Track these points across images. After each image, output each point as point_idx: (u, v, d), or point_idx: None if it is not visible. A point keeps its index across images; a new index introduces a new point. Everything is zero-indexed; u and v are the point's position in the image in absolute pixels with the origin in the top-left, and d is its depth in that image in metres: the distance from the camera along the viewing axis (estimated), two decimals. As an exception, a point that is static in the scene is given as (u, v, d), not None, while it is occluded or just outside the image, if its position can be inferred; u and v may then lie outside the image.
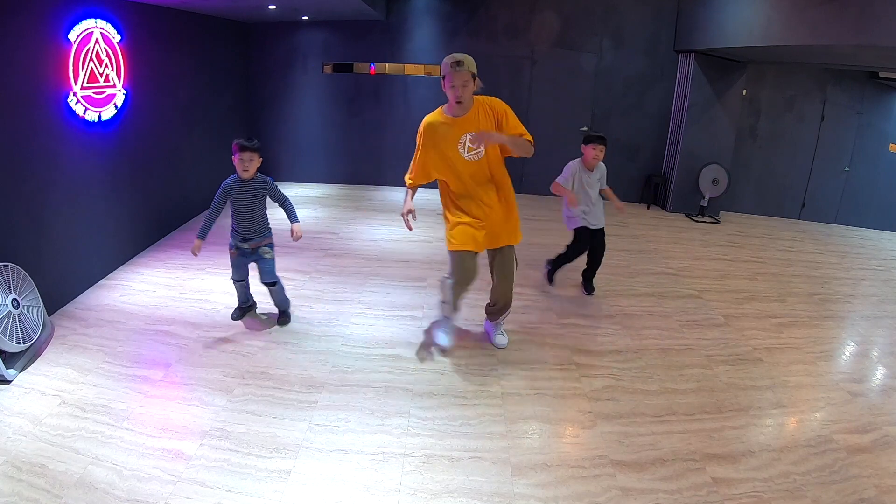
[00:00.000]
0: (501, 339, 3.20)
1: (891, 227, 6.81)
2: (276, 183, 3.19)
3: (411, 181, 3.03)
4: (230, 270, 3.25)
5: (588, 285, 4.07)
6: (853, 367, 3.34)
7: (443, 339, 3.15)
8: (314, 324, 3.35)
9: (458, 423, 2.49)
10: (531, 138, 2.77)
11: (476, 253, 2.90)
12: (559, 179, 3.77)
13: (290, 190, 6.64)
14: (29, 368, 2.73)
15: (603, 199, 3.94)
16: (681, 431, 2.50)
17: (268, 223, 3.21)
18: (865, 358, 3.46)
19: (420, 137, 2.84)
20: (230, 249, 3.17)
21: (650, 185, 6.71)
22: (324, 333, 3.24)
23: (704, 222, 6.25)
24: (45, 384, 2.62)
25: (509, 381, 2.83)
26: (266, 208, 3.17)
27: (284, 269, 4.12)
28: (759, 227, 6.34)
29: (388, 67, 6.61)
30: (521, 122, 2.80)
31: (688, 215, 6.45)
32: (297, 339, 3.16)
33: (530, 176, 6.70)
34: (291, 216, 3.21)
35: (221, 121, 5.90)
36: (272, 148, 6.84)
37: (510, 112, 2.78)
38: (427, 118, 2.84)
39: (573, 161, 3.84)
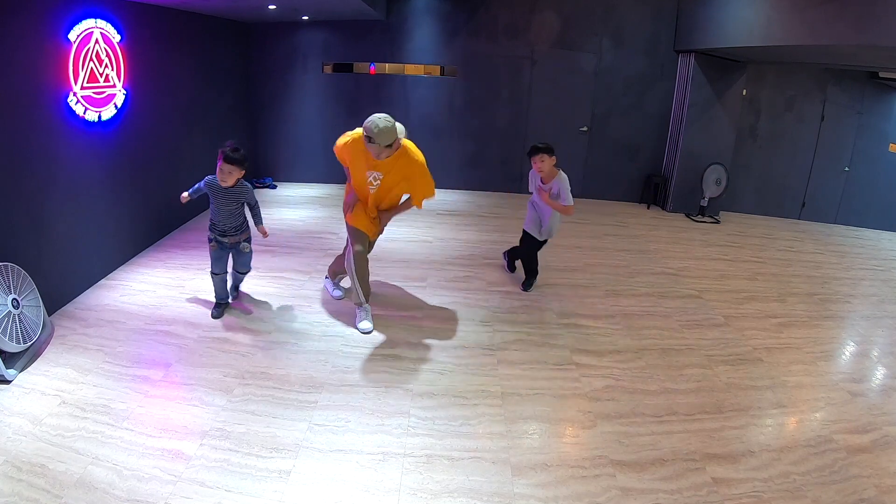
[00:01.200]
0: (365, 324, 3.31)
1: (891, 227, 6.82)
2: (253, 190, 3.30)
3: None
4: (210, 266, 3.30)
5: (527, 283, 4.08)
6: (853, 367, 3.34)
7: (366, 324, 3.30)
8: (314, 324, 3.35)
9: (458, 423, 2.49)
10: (424, 197, 3.26)
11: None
12: (570, 199, 3.71)
13: (291, 190, 6.64)
14: (29, 368, 2.73)
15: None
16: (681, 431, 2.50)
17: (245, 220, 3.33)
18: (865, 358, 3.47)
19: (347, 146, 3.19)
20: (210, 243, 3.28)
21: (650, 185, 6.71)
22: (324, 333, 3.24)
23: (704, 222, 6.26)
24: (45, 384, 2.62)
25: (509, 381, 2.83)
26: (244, 211, 3.31)
27: (284, 269, 4.13)
28: (759, 227, 6.34)
29: (388, 67, 6.61)
30: (426, 171, 3.19)
31: (688, 215, 6.45)
32: (297, 339, 3.16)
33: (528, 176, 6.69)
34: (256, 219, 3.33)
35: (221, 121, 5.90)
36: (272, 148, 6.85)
37: (421, 176, 3.18)
38: (356, 136, 3.12)
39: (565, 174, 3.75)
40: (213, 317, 3.35)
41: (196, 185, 3.24)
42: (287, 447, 2.27)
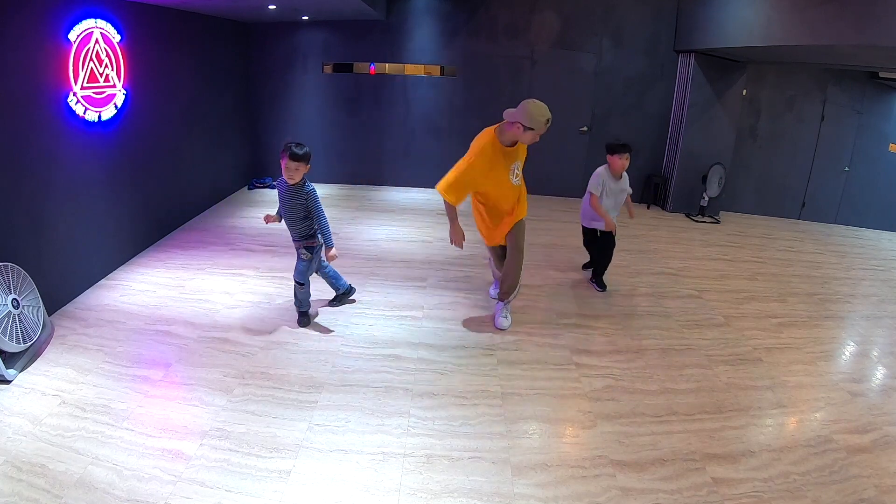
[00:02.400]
0: (503, 321, 3.38)
1: (891, 227, 6.82)
2: (318, 199, 3.19)
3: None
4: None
5: (598, 281, 4.13)
6: (853, 367, 3.34)
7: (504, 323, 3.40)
8: (314, 324, 3.35)
9: (458, 423, 2.49)
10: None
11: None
12: (591, 189, 3.84)
13: (290, 190, 6.63)
14: (29, 368, 2.73)
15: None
16: (681, 431, 2.50)
17: (313, 230, 3.24)
18: (865, 358, 3.47)
19: (477, 166, 3.06)
20: (298, 247, 3.28)
21: (650, 185, 6.71)
22: (324, 333, 3.24)
23: (704, 222, 6.25)
24: (45, 384, 2.62)
25: (509, 381, 2.83)
26: (309, 219, 3.20)
27: (285, 269, 4.13)
28: (759, 227, 6.34)
29: (388, 67, 6.61)
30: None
31: (688, 215, 6.45)
32: (297, 339, 3.16)
33: (529, 176, 6.69)
34: (325, 239, 3.19)
35: (221, 121, 5.90)
36: (272, 148, 6.84)
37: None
38: (482, 148, 3.07)
39: (600, 168, 3.89)
40: (301, 325, 3.31)
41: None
42: (287, 447, 2.27)
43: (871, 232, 6.69)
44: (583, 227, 4.10)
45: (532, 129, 2.95)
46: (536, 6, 6.32)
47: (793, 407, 2.79)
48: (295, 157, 3.02)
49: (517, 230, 3.30)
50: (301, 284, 3.26)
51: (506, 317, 3.41)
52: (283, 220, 3.27)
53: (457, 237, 3.22)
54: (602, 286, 4.07)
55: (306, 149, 3.07)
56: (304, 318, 3.34)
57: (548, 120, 2.94)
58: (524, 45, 6.43)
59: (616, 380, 2.90)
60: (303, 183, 3.15)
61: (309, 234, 3.23)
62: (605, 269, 4.10)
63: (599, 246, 4.05)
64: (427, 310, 3.60)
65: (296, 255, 3.28)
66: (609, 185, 3.87)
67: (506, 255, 3.37)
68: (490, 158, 3.05)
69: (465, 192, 3.14)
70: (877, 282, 4.84)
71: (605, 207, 3.88)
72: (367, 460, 2.23)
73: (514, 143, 3.13)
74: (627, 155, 3.81)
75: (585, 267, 4.39)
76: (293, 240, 3.27)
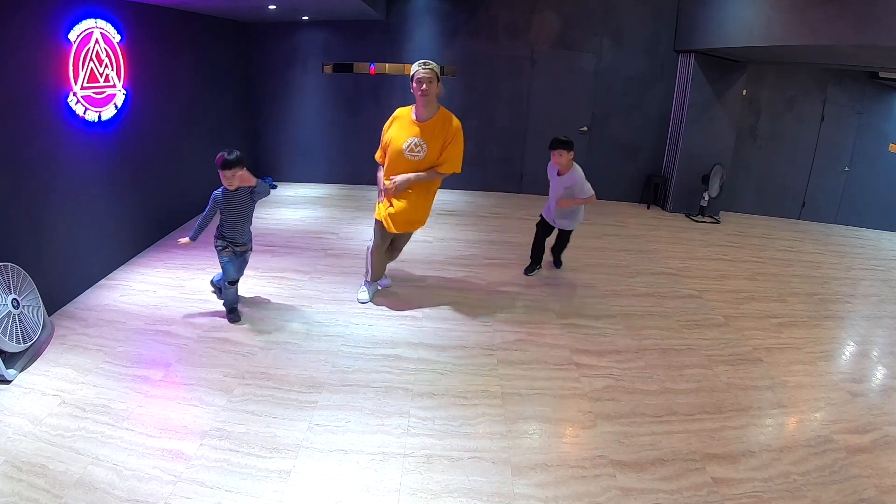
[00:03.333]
0: (363, 294, 3.65)
1: (891, 227, 6.82)
2: (262, 184, 3.23)
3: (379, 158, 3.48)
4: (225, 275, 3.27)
5: (555, 260, 4.39)
6: (853, 367, 3.34)
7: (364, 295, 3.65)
8: (314, 324, 3.35)
9: (458, 423, 2.49)
10: (452, 171, 3.28)
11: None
12: (591, 192, 3.91)
13: (290, 190, 6.64)
14: (29, 368, 2.73)
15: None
16: (681, 431, 2.50)
17: (251, 235, 3.38)
18: (865, 358, 3.47)
19: (388, 124, 3.36)
20: (223, 250, 3.24)
21: (650, 185, 6.71)
22: (324, 333, 3.24)
23: (704, 222, 6.25)
24: (45, 384, 2.62)
25: (509, 381, 2.83)
26: (251, 221, 3.32)
27: (284, 269, 4.13)
28: (759, 227, 6.34)
29: (388, 67, 6.61)
30: (462, 150, 3.29)
31: (688, 215, 6.45)
32: (297, 339, 3.16)
33: (529, 176, 6.70)
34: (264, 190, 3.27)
35: (221, 121, 5.90)
36: (272, 148, 6.85)
37: (457, 143, 3.25)
38: (396, 115, 3.33)
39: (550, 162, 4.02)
40: (234, 322, 3.31)
41: (199, 220, 3.26)
42: (287, 447, 2.27)
43: (871, 232, 6.69)
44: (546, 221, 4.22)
45: (412, 75, 3.13)
46: (536, 6, 6.32)
47: (793, 407, 2.79)
48: (228, 165, 3.03)
49: (404, 237, 3.57)
50: (235, 282, 3.32)
51: (364, 290, 3.66)
52: (220, 232, 3.26)
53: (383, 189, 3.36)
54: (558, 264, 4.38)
55: (237, 153, 3.08)
56: (236, 314, 3.36)
57: (423, 63, 3.12)
58: (524, 45, 6.43)
59: (616, 380, 2.90)
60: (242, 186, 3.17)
61: (250, 238, 3.38)
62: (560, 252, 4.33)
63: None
64: (427, 310, 3.60)
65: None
66: (552, 178, 4.05)
67: (388, 251, 3.59)
68: (392, 123, 3.33)
69: (383, 141, 3.37)
70: (877, 282, 4.84)
71: (552, 201, 4.07)
72: (367, 460, 2.23)
73: (427, 118, 3.23)
74: (560, 151, 3.83)
75: (527, 271, 4.30)
76: (233, 243, 3.24)
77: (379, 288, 3.81)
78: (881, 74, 6.11)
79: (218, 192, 3.19)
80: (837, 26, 3.61)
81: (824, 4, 3.69)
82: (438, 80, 3.16)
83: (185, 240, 3.23)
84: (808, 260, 5.25)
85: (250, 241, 3.38)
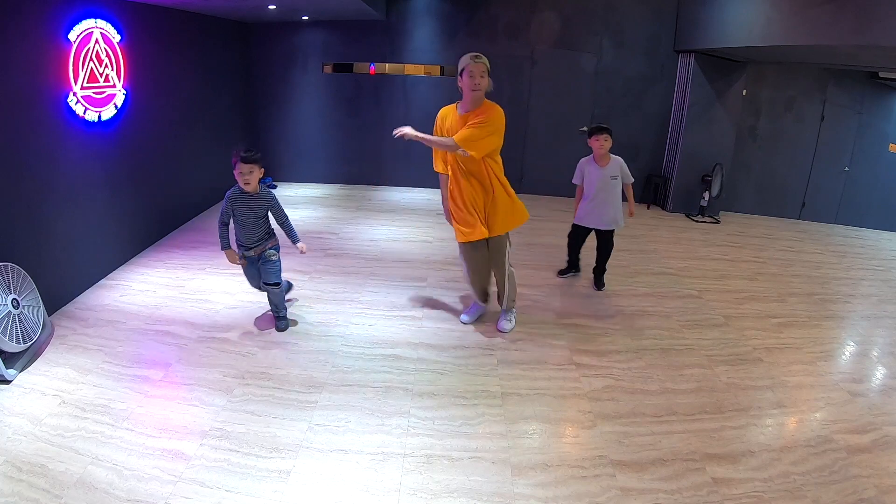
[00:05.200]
0: (506, 325, 3.35)
1: (891, 227, 6.81)
2: (277, 200, 3.09)
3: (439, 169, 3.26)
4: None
5: (597, 281, 4.15)
6: (853, 367, 3.34)
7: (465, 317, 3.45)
8: (314, 324, 3.35)
9: (458, 423, 2.49)
10: (464, 143, 2.87)
11: (478, 242, 3.14)
12: (573, 180, 3.89)
13: (290, 190, 6.64)
14: (29, 368, 2.73)
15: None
16: (681, 431, 2.50)
17: (271, 229, 3.14)
18: (865, 358, 3.46)
19: (437, 127, 3.12)
20: (240, 260, 3.11)
21: (650, 185, 6.71)
22: (324, 333, 3.24)
23: (704, 222, 6.25)
24: (45, 384, 2.62)
25: (509, 381, 2.83)
26: (269, 220, 3.10)
27: (284, 269, 4.10)
28: (759, 227, 6.34)
29: (388, 67, 6.61)
30: (493, 131, 2.93)
31: (688, 215, 6.45)
32: (297, 339, 3.16)
33: (529, 176, 6.70)
34: (292, 236, 3.14)
35: (221, 121, 5.90)
36: (272, 148, 6.84)
37: (488, 120, 2.88)
38: (440, 116, 3.11)
39: (582, 158, 3.93)
40: (279, 329, 3.22)
41: (220, 219, 3.04)
42: (287, 447, 2.27)
43: (871, 232, 6.69)
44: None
45: (463, 69, 2.91)
46: (536, 6, 6.32)
47: (793, 407, 2.79)
48: (246, 160, 2.85)
49: (496, 246, 3.15)
50: (278, 284, 3.17)
51: (510, 321, 3.37)
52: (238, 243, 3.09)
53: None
54: (600, 285, 4.10)
55: (256, 152, 2.93)
56: (283, 321, 3.25)
57: (475, 56, 2.91)
58: (524, 45, 6.43)
59: (616, 380, 2.90)
60: (260, 189, 3.01)
61: (269, 233, 3.14)
62: (603, 268, 4.12)
63: (597, 244, 4.07)
64: (427, 310, 3.60)
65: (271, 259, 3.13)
66: (590, 173, 3.87)
67: (484, 269, 3.28)
68: (443, 122, 3.10)
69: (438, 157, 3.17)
70: (877, 282, 4.84)
71: (596, 199, 3.87)
72: (367, 460, 2.23)
73: (472, 109, 2.96)
74: (606, 136, 3.75)
75: (562, 273, 4.29)
76: (247, 250, 3.07)
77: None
78: (881, 74, 6.11)
79: (231, 191, 2.99)
80: (837, 26, 3.61)
81: (824, 4, 3.69)
82: (489, 74, 2.94)
83: (228, 253, 3.09)
84: (808, 260, 5.25)
85: (266, 239, 3.11)
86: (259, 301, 3.59)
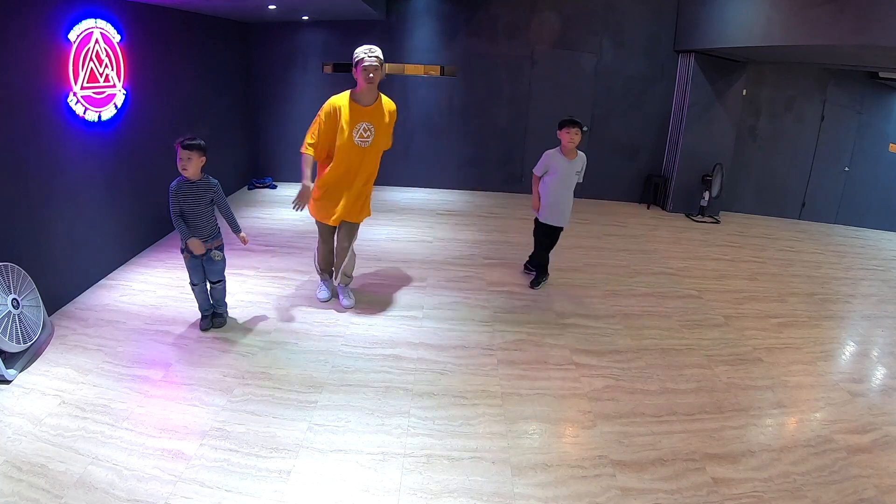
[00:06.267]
0: (347, 301, 3.57)
1: (891, 227, 6.82)
2: (221, 188, 3.05)
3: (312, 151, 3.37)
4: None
5: (538, 278, 4.07)
6: (853, 367, 3.34)
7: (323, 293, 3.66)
8: (314, 324, 3.35)
9: (458, 423, 2.49)
10: (386, 148, 3.47)
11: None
12: (534, 170, 3.83)
13: (291, 190, 6.64)
14: (29, 368, 2.73)
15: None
16: (681, 431, 2.50)
17: (217, 227, 3.10)
18: (865, 358, 3.47)
19: (321, 120, 3.32)
20: (182, 253, 3.04)
21: (650, 185, 6.71)
22: (324, 333, 3.24)
23: (704, 222, 6.26)
24: (45, 384, 2.62)
25: (509, 381, 2.83)
26: (214, 212, 3.07)
27: (284, 269, 4.13)
28: (759, 227, 6.34)
29: (388, 67, 6.60)
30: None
31: (688, 215, 6.45)
32: (297, 339, 3.16)
33: (528, 176, 6.69)
34: (233, 226, 3.12)
35: (221, 121, 5.90)
36: (272, 148, 6.84)
37: (392, 123, 3.40)
38: (328, 106, 3.30)
39: (550, 150, 3.83)
40: (202, 329, 3.17)
41: (172, 214, 2.93)
42: (287, 447, 2.27)
43: (871, 232, 6.69)
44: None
45: (358, 62, 3.13)
46: (536, 6, 6.32)
47: (793, 407, 2.79)
48: (185, 147, 2.81)
49: (349, 230, 3.47)
50: (222, 280, 3.19)
51: (349, 296, 3.58)
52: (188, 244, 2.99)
53: (301, 198, 3.27)
54: (536, 277, 4.05)
55: (200, 140, 2.89)
56: (220, 318, 3.24)
57: (369, 49, 3.11)
58: (524, 45, 6.43)
59: (616, 380, 2.90)
60: (202, 177, 2.96)
61: (215, 230, 3.09)
62: (543, 261, 4.04)
63: (543, 240, 3.99)
64: (427, 310, 3.60)
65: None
66: (556, 165, 3.76)
67: (335, 249, 3.56)
68: (331, 116, 3.28)
69: (315, 145, 3.31)
70: (877, 282, 4.84)
71: (560, 194, 3.80)
72: (367, 460, 2.23)
73: (372, 102, 3.26)
74: (577, 129, 3.65)
75: (530, 269, 4.22)
76: (186, 247, 2.99)
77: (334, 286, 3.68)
78: (881, 74, 6.11)
79: (174, 182, 2.91)
80: (837, 26, 3.61)
81: (824, 4, 3.69)
82: (382, 66, 3.20)
83: (193, 241, 2.97)
84: (808, 260, 5.25)
85: (213, 237, 3.06)
86: (259, 301, 3.60)
